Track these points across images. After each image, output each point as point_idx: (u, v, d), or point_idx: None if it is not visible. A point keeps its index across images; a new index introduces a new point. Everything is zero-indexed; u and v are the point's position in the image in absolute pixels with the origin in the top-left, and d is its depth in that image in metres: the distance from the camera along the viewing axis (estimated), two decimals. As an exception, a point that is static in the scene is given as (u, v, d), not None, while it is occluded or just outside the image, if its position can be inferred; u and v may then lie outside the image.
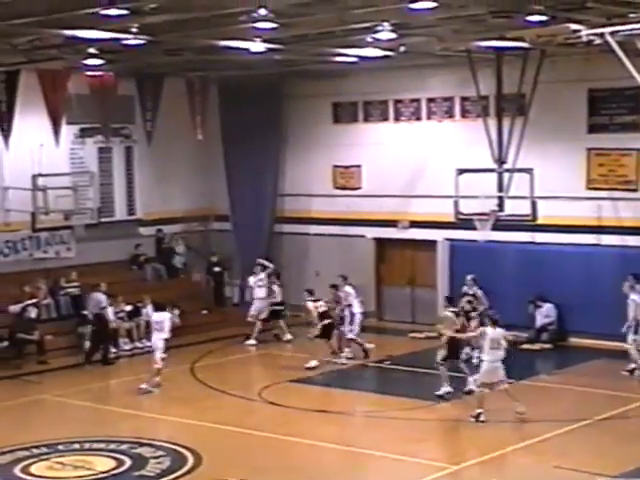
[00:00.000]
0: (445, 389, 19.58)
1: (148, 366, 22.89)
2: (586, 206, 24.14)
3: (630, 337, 21.05)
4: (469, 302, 22.13)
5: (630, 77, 17.55)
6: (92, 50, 20.62)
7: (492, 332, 18.02)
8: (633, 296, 21.06)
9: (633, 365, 20.96)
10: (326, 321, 22.40)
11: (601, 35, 17.03)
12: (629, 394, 19.56)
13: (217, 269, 28.66)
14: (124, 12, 15.86)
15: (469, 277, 23.65)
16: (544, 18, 17.12)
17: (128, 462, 16.19)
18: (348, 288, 23.70)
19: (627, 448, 16.27)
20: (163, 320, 20.94)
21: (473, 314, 21.00)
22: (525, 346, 23.59)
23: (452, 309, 20.10)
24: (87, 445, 17.10)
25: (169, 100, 27.41)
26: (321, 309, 22.50)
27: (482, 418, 17.93)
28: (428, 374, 20.58)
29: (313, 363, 22.24)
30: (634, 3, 15.45)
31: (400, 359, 22.98)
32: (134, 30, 17.51)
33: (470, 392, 19.17)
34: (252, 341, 24.92)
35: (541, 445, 16.67)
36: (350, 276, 24.47)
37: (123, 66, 24.23)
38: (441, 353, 19.65)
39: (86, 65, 22.65)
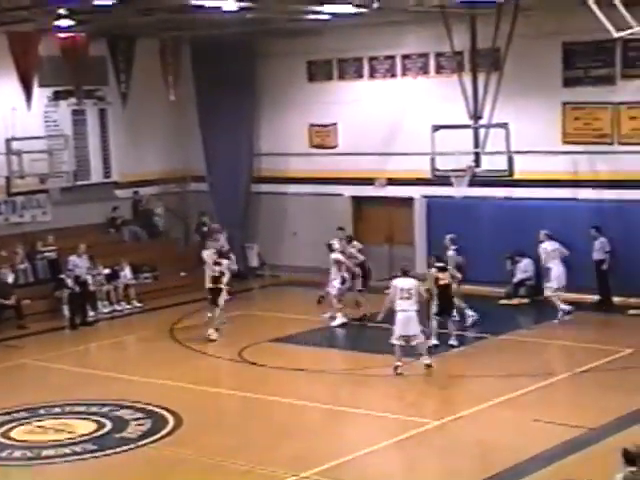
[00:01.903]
0: (433, 341, 19.81)
1: (127, 328, 22.94)
2: (562, 160, 24.17)
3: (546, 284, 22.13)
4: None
5: (604, 30, 17.45)
6: (62, 11, 20.38)
7: (402, 282, 18.26)
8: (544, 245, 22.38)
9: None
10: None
11: (575, -13, 16.92)
12: (608, 347, 19.69)
13: (205, 229, 28.56)
14: (94, -28, 15.70)
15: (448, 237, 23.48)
16: (518, -29, 17.04)
17: (109, 425, 16.21)
18: (357, 244, 23.68)
19: (606, 400, 16.39)
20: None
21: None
22: (503, 301, 23.70)
23: (438, 264, 20.22)
24: (68, 408, 17.12)
25: (142, 61, 27.22)
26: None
27: (399, 371, 18.17)
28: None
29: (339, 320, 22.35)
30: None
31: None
32: (104, -11, 17.34)
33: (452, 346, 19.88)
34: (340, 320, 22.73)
35: (521, 399, 16.77)
36: (328, 235, 24.44)
37: (94, 27, 24.00)
38: (434, 307, 19.94)
39: (57, 27, 22.41)
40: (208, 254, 23.05)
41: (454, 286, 20.53)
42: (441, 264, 20.33)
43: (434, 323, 20.05)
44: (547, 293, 22.40)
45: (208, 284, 22.05)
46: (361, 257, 23.41)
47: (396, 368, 18.25)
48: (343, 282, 22.67)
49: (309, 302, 24.59)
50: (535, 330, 21.75)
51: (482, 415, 16.09)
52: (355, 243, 23.76)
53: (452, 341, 20.16)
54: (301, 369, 19.19)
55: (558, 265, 22.34)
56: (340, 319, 22.45)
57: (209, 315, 22.00)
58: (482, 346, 20.49)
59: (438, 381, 18.44)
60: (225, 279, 22.16)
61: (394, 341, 18.30)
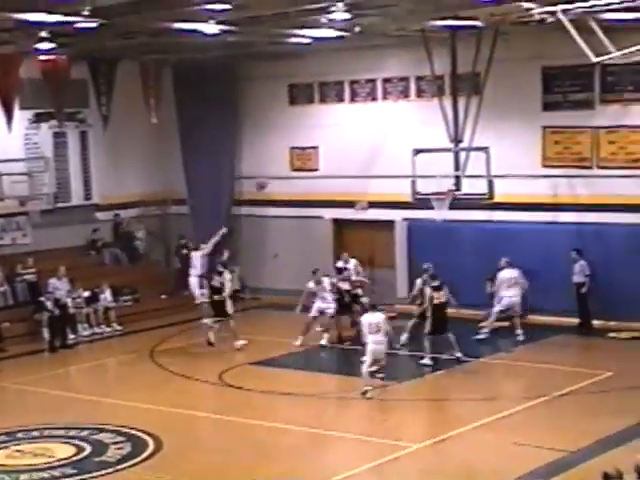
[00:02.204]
0: (426, 361, 20.19)
1: (107, 351, 22.81)
2: (542, 184, 24.30)
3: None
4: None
5: (583, 55, 17.60)
6: (44, 34, 20.35)
7: (370, 317, 18.75)
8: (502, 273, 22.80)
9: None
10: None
11: (553, 13, 17.07)
12: (588, 370, 19.74)
13: (185, 252, 28.50)
14: (75, -5, 15.70)
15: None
16: (498, -3, 17.18)
17: (88, 448, 16.12)
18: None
19: (586, 423, 16.43)
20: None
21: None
22: (484, 324, 23.74)
23: (434, 283, 20.57)
24: (46, 432, 17.02)
25: (123, 84, 27.24)
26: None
27: (368, 395, 18.35)
28: (388, 354, 20.63)
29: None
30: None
31: (360, 340, 22.99)
32: (86, 13, 17.30)
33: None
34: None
35: (501, 422, 16.79)
36: (309, 257, 24.46)
37: (76, 50, 23.96)
38: (427, 326, 20.38)
39: (38, 49, 22.39)
40: (196, 255, 23.30)
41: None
42: (436, 283, 20.60)
43: (426, 343, 20.35)
44: (494, 310, 22.70)
45: (206, 298, 22.17)
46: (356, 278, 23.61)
47: (365, 392, 18.38)
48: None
49: (290, 325, 24.54)
50: (515, 353, 21.78)
51: (463, 438, 16.08)
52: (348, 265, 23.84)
53: (457, 353, 20.43)
54: (282, 392, 19.14)
55: (511, 294, 22.62)
56: (324, 341, 22.52)
57: (218, 329, 22.45)
58: (463, 369, 20.48)
59: (419, 404, 18.44)
60: (227, 290, 22.43)
61: (365, 369, 18.58)
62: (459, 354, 20.58)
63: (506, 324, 23.74)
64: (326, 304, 22.79)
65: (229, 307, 22.58)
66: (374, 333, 18.54)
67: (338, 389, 19.42)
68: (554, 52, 22.91)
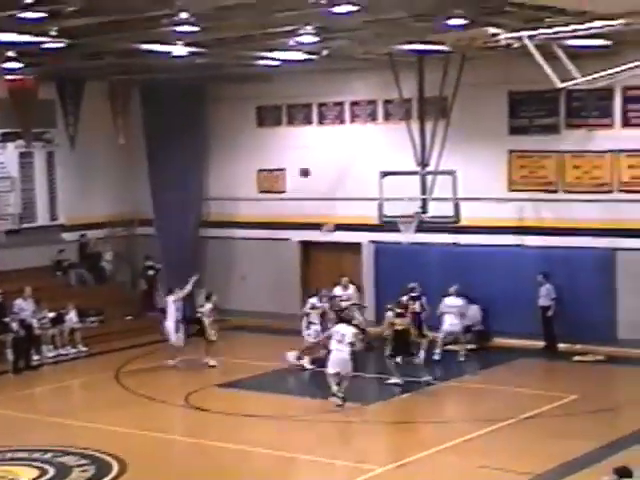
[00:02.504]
0: (394, 380, 20.45)
1: (72, 373, 22.62)
2: (508, 208, 24.43)
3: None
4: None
5: (549, 80, 17.75)
6: (11, 53, 20.32)
7: (340, 328, 19.71)
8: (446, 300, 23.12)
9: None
10: None
11: (519, 39, 17.22)
12: (553, 393, 19.83)
13: (151, 273, 28.45)
14: (43, 15, 15.66)
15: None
16: (464, 22, 17.31)
17: (52, 471, 15.96)
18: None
19: (550, 446, 16.48)
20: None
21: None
22: (450, 347, 23.79)
23: (398, 310, 20.92)
24: (9, 455, 16.84)
25: (91, 104, 27.20)
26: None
27: (339, 402, 19.01)
28: (354, 376, 20.64)
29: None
30: (550, 8, 15.68)
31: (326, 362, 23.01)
32: (53, 33, 17.30)
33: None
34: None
35: (466, 445, 16.80)
36: (276, 279, 24.44)
37: (43, 70, 23.95)
38: (388, 348, 20.75)
39: (5, 69, 22.33)
40: (170, 299, 23.24)
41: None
42: (400, 310, 20.94)
43: (389, 363, 20.63)
44: (439, 335, 22.88)
45: (182, 342, 23.00)
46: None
47: (334, 396, 19.11)
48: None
49: (258, 347, 24.54)
50: (481, 376, 21.86)
51: (428, 461, 16.08)
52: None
53: (425, 377, 20.59)
54: (249, 414, 19.08)
55: (450, 322, 22.91)
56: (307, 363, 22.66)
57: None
58: (428, 392, 20.51)
59: (385, 427, 18.45)
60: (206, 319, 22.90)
61: (328, 376, 19.33)
62: (427, 377, 20.60)
63: (472, 346, 23.86)
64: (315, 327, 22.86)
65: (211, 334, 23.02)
66: (338, 342, 19.35)
67: (304, 411, 19.36)
68: (520, 77, 23.10)
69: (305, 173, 26.32)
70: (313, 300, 23.31)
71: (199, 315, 23.28)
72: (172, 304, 23.37)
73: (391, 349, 20.70)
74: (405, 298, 22.12)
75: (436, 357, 22.61)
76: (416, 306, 22.20)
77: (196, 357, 22.90)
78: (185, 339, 23.45)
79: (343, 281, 24.52)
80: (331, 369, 19.39)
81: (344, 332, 19.54)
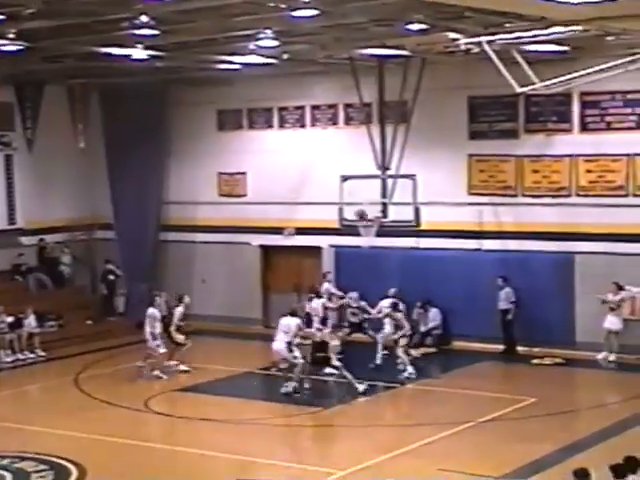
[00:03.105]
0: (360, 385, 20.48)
1: (31, 378, 22.45)
2: (468, 211, 24.55)
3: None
4: (353, 314, 23.46)
5: (508, 85, 17.92)
6: (-31, 56, 20.15)
7: (286, 320, 20.66)
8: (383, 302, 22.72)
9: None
10: None
11: (479, 44, 17.36)
12: (512, 396, 19.94)
13: (112, 277, 28.30)
14: (1, 17, 15.56)
15: (353, 294, 23.66)
16: (424, 27, 17.41)
17: (9, 477, 15.83)
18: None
19: (509, 449, 16.58)
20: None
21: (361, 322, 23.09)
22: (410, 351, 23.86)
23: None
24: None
25: (50, 107, 27.05)
26: None
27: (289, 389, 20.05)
28: (314, 380, 20.67)
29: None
30: (509, 13, 15.80)
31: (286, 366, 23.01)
32: (11, 36, 17.17)
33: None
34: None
35: (426, 448, 16.86)
36: (236, 283, 24.39)
37: (1, 72, 23.74)
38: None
39: (-37, 72, 22.16)
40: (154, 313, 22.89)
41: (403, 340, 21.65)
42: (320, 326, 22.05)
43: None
44: (379, 339, 22.65)
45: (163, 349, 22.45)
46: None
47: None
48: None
49: (218, 351, 24.46)
50: (441, 379, 21.93)
51: (388, 465, 16.11)
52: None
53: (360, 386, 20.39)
54: (208, 419, 19.03)
55: (389, 323, 22.63)
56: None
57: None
58: (389, 395, 20.59)
59: (344, 430, 18.47)
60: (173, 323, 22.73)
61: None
62: (361, 387, 20.36)
63: (432, 350, 23.95)
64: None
65: (177, 336, 22.82)
66: (284, 333, 20.40)
67: (263, 415, 19.35)
68: (480, 82, 23.24)
69: (361, 215, 25.34)
70: (322, 300, 23.57)
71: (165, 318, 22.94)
72: (156, 319, 22.79)
73: (311, 359, 20.90)
74: (385, 304, 22.23)
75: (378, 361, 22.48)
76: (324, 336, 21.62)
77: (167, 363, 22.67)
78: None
79: (329, 276, 24.82)
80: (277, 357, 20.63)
81: (287, 323, 20.49)
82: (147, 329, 22.23)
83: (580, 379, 22.41)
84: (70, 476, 15.81)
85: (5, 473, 16.01)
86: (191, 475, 15.98)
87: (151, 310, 22.63)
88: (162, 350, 22.32)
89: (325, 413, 19.33)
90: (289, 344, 20.42)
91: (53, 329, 26.13)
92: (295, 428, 18.34)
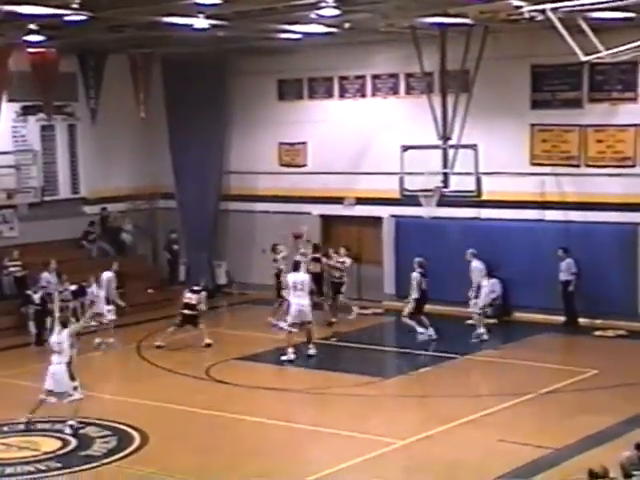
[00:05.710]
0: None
1: (92, 345, 22.66)
2: (530, 182, 24.34)
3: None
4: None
5: (572, 53, 17.62)
6: (33, 26, 20.29)
7: (294, 277, 20.69)
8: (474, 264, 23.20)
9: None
10: None
11: (543, 11, 17.09)
12: (573, 367, 19.82)
13: (176, 247, 28.53)
14: (65, -12, 15.66)
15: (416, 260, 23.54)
16: (487, -6, 17.20)
17: (74, 442, 16.10)
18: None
19: (570, 421, 16.50)
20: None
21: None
22: (470, 321, 23.76)
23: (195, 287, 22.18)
24: (32, 426, 16.95)
25: (112, 78, 27.22)
26: None
27: (291, 357, 20.32)
28: (374, 350, 20.69)
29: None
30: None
31: (347, 336, 23.07)
32: (75, 6, 17.26)
33: None
34: None
35: (486, 419, 16.83)
36: (296, 253, 24.36)
37: (65, 43, 23.92)
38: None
39: (27, 41, 22.34)
40: None
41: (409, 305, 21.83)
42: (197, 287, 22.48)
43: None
44: (474, 310, 22.56)
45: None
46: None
47: (284, 354, 20.38)
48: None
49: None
50: (502, 350, 21.83)
51: (448, 435, 16.12)
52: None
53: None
54: (268, 387, 19.16)
55: (489, 282, 22.75)
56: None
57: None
58: (449, 366, 20.55)
59: (405, 401, 18.47)
60: (202, 308, 22.71)
61: (286, 327, 20.67)
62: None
63: (492, 321, 23.84)
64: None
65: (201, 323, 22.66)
66: (298, 291, 20.41)
67: (324, 385, 19.42)
68: (543, 50, 22.96)
69: (297, 236, 25.15)
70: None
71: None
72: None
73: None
74: (415, 274, 22.20)
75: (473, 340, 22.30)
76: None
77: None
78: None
79: (342, 251, 24.80)
80: (295, 320, 20.52)
81: (301, 279, 20.60)
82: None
83: (643, 351, 22.17)
84: (133, 442, 16.04)
85: (70, 438, 16.28)
86: (250, 443, 16.10)
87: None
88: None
89: (385, 383, 19.35)
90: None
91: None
92: (355, 398, 18.38)
